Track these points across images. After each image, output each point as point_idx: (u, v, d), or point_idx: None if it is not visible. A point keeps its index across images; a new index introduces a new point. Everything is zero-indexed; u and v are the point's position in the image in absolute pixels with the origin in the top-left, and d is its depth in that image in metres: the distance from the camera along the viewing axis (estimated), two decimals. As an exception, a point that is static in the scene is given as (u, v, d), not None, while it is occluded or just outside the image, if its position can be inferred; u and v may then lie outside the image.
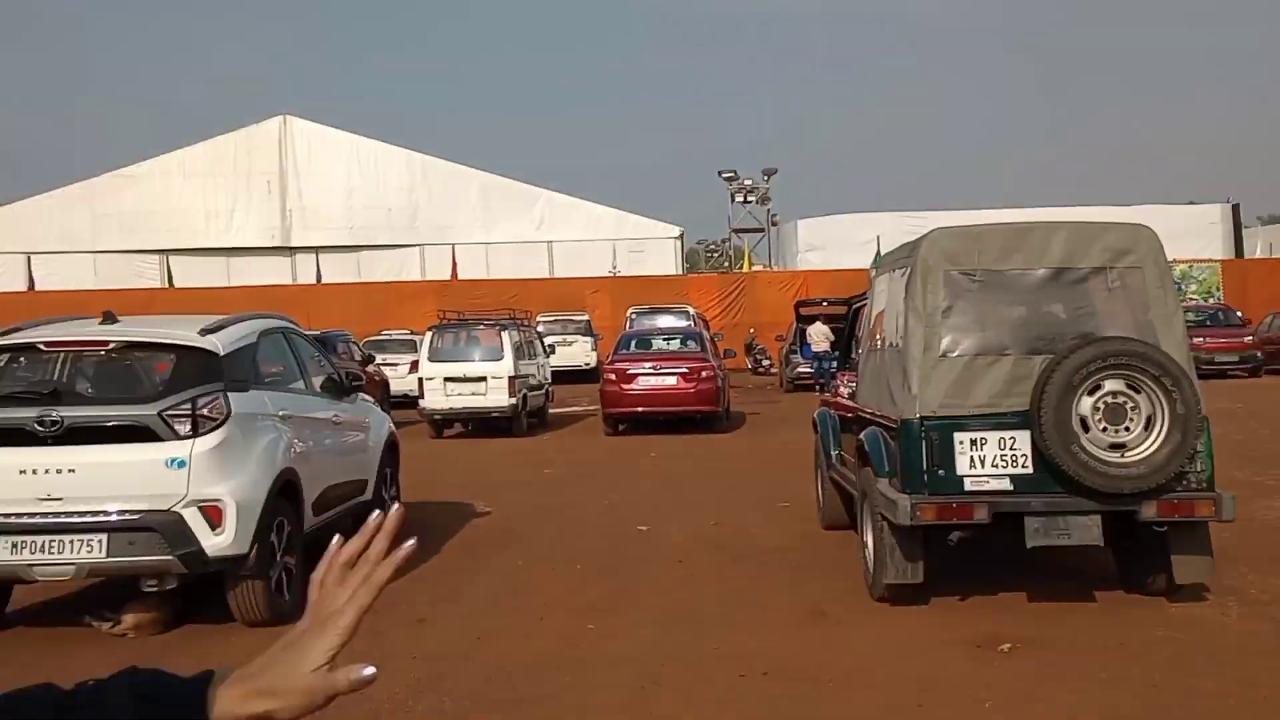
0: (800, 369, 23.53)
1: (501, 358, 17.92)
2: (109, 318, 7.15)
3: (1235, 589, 6.93)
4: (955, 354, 6.62)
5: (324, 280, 35.75)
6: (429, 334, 18.92)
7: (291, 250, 38.83)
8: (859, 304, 9.39)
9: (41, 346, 6.91)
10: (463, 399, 17.96)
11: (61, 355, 6.89)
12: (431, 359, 18.23)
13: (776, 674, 5.78)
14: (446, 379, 18.01)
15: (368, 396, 9.84)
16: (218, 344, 6.91)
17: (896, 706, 5.26)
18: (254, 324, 7.58)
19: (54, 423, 6.39)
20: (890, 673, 5.73)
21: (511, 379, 17.82)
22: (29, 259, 37.11)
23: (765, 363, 29.65)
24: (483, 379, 17.88)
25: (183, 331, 7.08)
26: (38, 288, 35.42)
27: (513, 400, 17.78)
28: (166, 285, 35.30)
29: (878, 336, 7.87)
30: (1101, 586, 7.02)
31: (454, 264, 36.13)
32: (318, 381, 8.42)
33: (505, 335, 18.21)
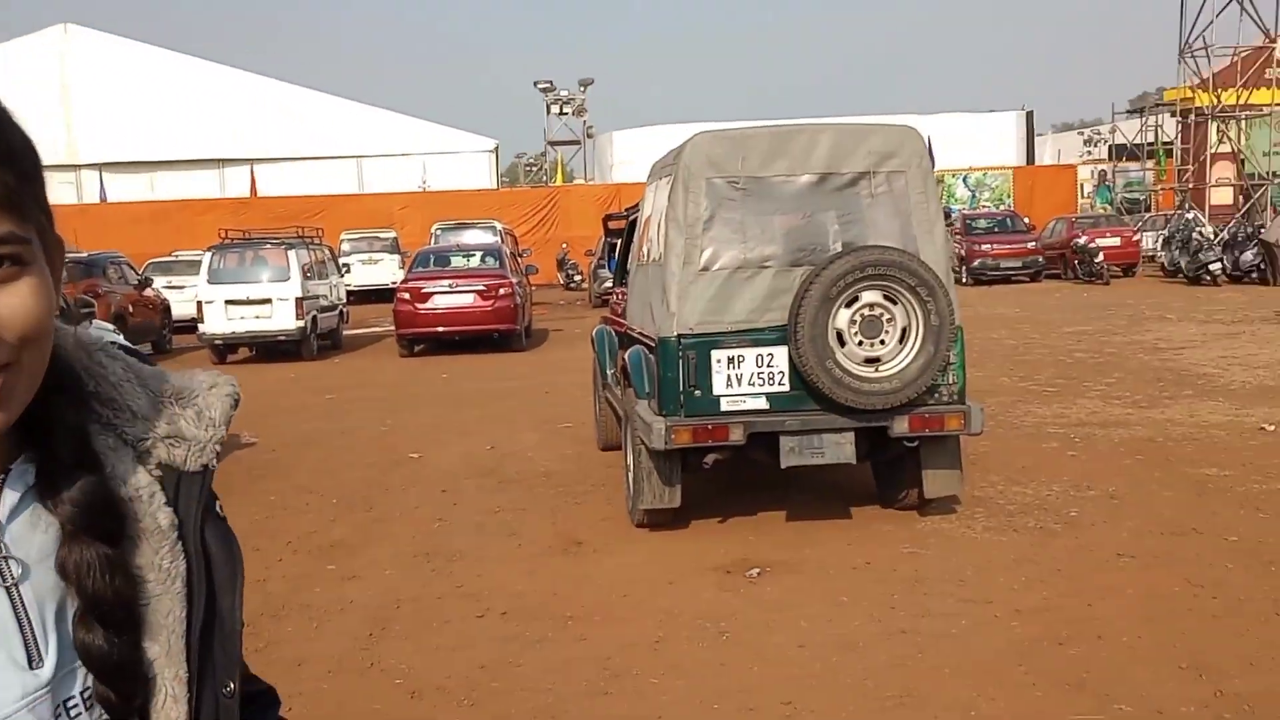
0: (607, 284, 23.17)
1: (288, 278, 16.98)
2: None
3: (985, 500, 6.95)
4: (716, 267, 6.31)
5: (110, 199, 33.43)
6: (208, 254, 17.76)
7: (77, 167, 36.14)
8: (635, 215, 9.02)
9: None
10: (246, 323, 16.98)
11: None
12: (211, 281, 17.14)
13: (516, 613, 5.45)
14: (228, 301, 16.97)
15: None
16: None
17: (634, 642, 5.00)
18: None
19: None
20: (634, 605, 5.47)
21: (299, 300, 16.92)
22: None
23: (577, 278, 29.27)
24: (267, 301, 16.92)
25: None
26: None
27: (300, 323, 16.90)
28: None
29: (644, 249, 7.52)
30: (858, 502, 6.94)
31: (253, 180, 34.26)
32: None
33: (292, 254, 17.26)
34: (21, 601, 0.93)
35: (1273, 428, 8.79)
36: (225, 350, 17.43)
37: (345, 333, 19.59)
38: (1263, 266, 22.93)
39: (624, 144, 40.25)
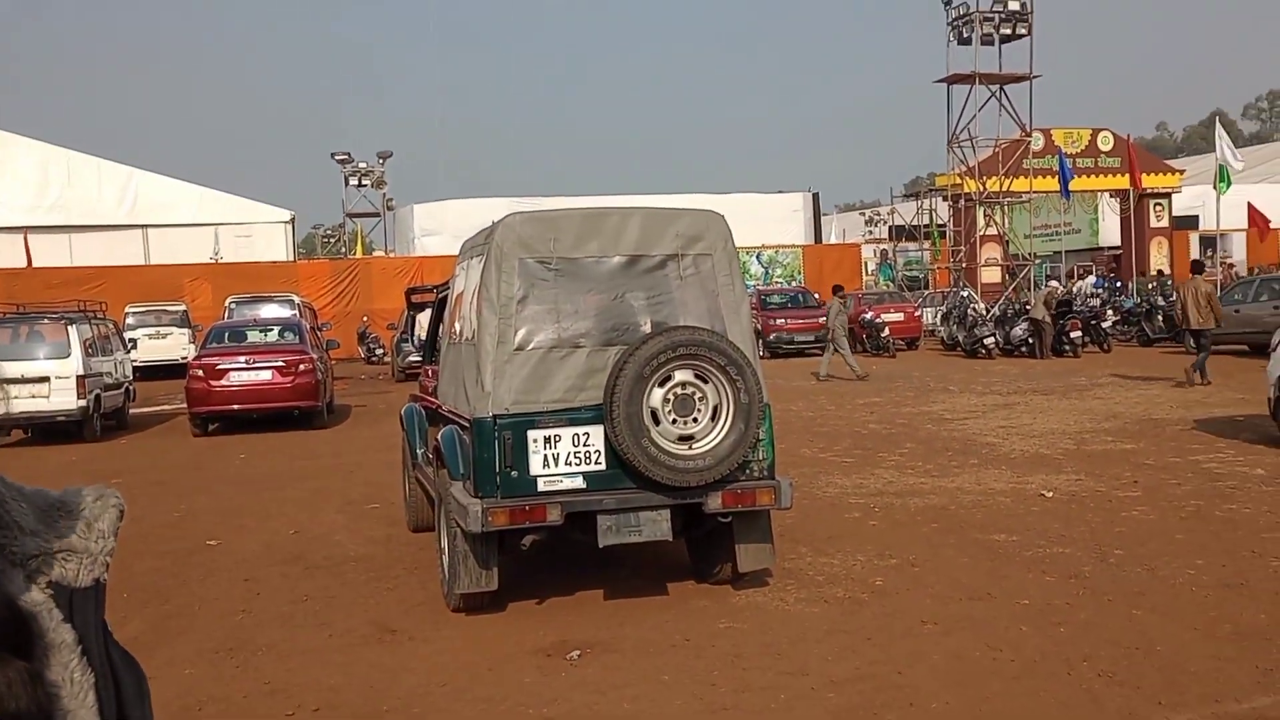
0: (411, 358, 22.86)
1: (68, 354, 16.01)
2: None
3: (795, 571, 7.16)
4: (530, 346, 6.32)
5: None
6: (-23, 330, 16.60)
7: None
8: (445, 292, 8.97)
9: None
10: (21, 402, 15.87)
11: None
12: (-17, 358, 15.98)
13: (329, 709, 5.25)
14: (2, 380, 15.85)
15: None
16: None
17: (454, 732, 4.90)
18: None
19: None
20: (454, 694, 5.36)
21: (80, 378, 15.96)
22: None
23: (379, 351, 28.76)
24: (45, 379, 15.90)
25: None
26: None
27: (82, 402, 15.92)
28: None
29: (456, 327, 7.48)
30: (675, 578, 7.03)
31: (27, 249, 32.25)
32: None
33: (72, 330, 16.27)
34: None
35: (1052, 494, 9.40)
36: (-2, 432, 16.25)
37: (132, 411, 18.57)
38: (1031, 341, 24.59)
39: (425, 216, 39.95)
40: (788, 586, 6.83)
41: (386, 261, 36.61)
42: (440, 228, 37.89)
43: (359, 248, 40.19)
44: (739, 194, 39.12)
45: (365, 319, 30.21)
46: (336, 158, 42.52)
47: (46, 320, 16.77)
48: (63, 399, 15.79)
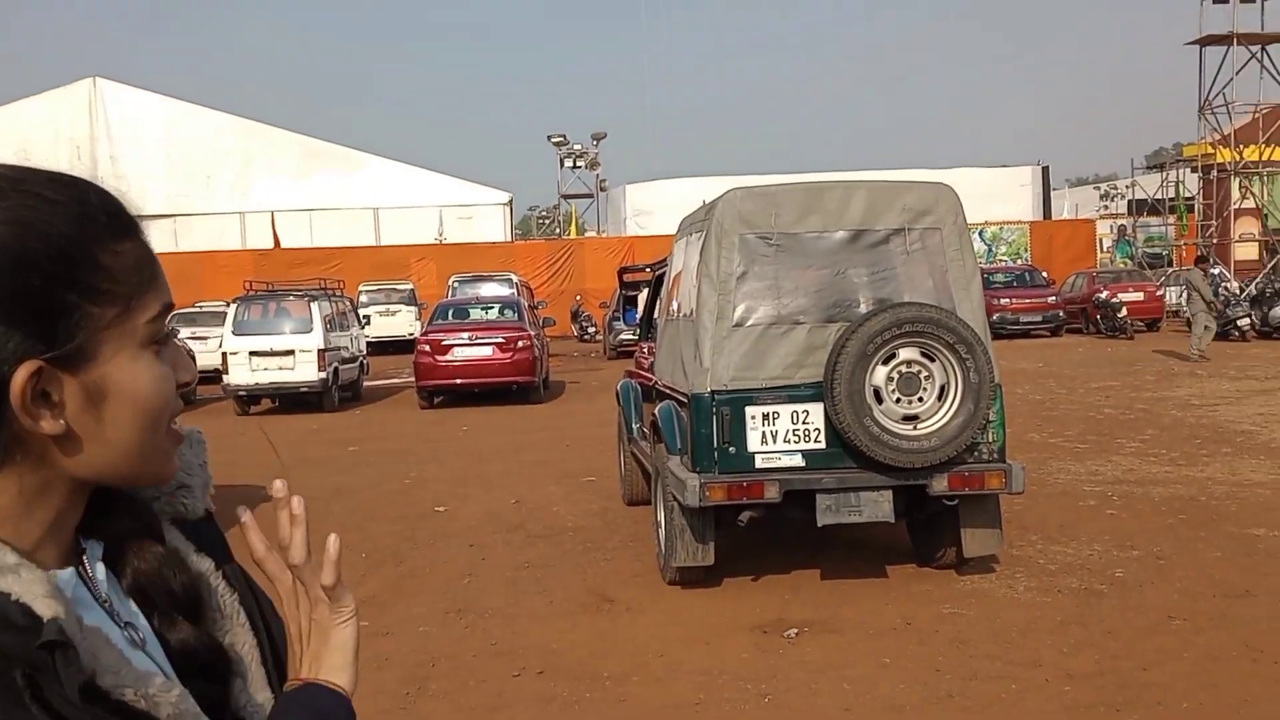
0: (624, 336, 23.19)
1: (310, 330, 17.01)
2: None
3: (1024, 559, 6.85)
4: (749, 323, 6.26)
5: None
6: (233, 306, 17.84)
7: (102, 219, 36.34)
8: (661, 270, 9.01)
9: None
10: (269, 374, 16.99)
11: None
12: (236, 332, 17.16)
13: (553, 671, 5.37)
14: (252, 353, 16.98)
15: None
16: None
17: (673, 703, 4.91)
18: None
19: None
20: (671, 665, 5.38)
21: (321, 352, 16.93)
22: None
23: (591, 330, 29.28)
24: (290, 352, 16.94)
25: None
26: None
27: (322, 374, 16.90)
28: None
29: (674, 304, 7.49)
30: (894, 561, 6.84)
31: (274, 232, 34.47)
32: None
33: (314, 306, 17.28)
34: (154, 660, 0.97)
35: (1316, 486, 8.67)
36: (249, 401, 17.42)
37: (365, 384, 19.60)
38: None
39: (637, 197, 40.45)
40: (1017, 574, 6.55)
41: (599, 241, 37.28)
42: (652, 207, 38.32)
43: (573, 228, 41.07)
44: (962, 168, 37.73)
45: (579, 298, 30.82)
46: (552, 140, 43.60)
47: (292, 298, 17.85)
48: (306, 371, 16.78)
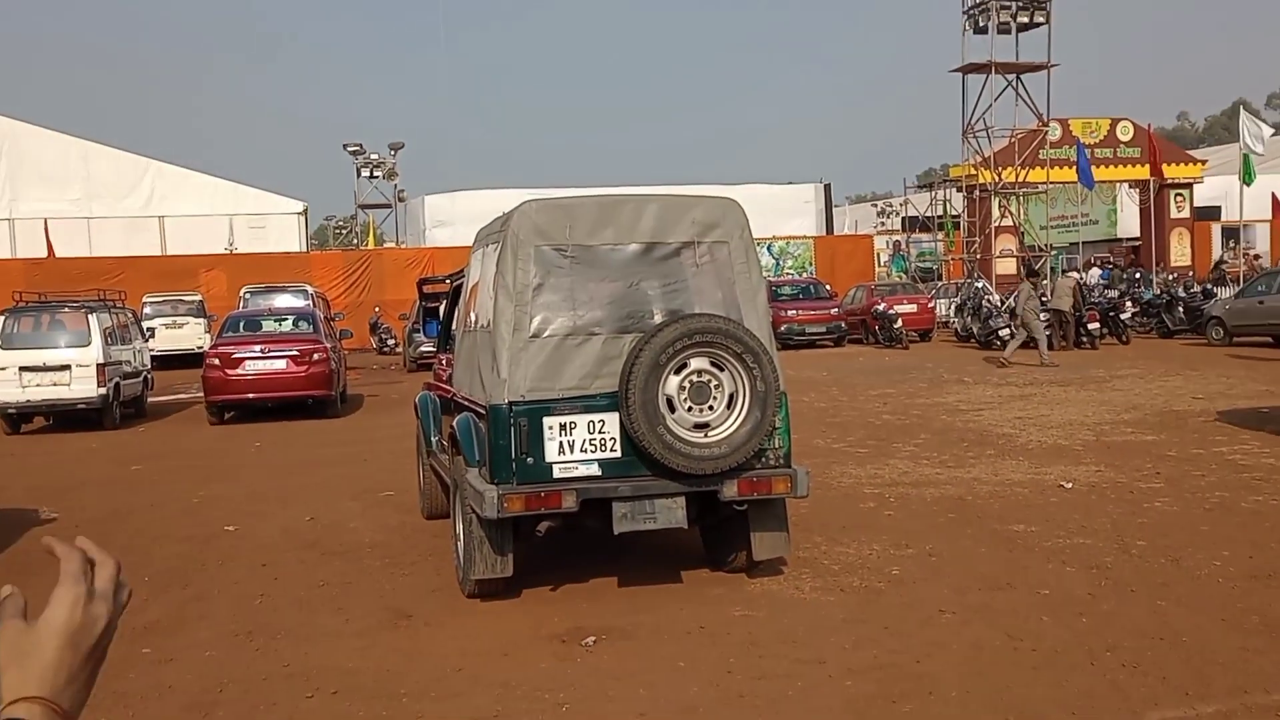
0: (423, 348, 22.89)
1: (89, 343, 16.09)
2: None
3: (809, 560, 7.14)
4: (546, 334, 6.31)
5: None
6: (1, 318, 16.67)
7: None
8: (459, 281, 8.96)
9: None
10: (43, 390, 15.97)
11: None
12: (4, 346, 16.06)
13: (347, 691, 5.26)
14: (22, 368, 15.93)
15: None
16: None
17: (471, 717, 4.90)
18: None
19: None
20: (470, 679, 5.36)
21: (100, 366, 16.03)
22: None
23: (390, 342, 28.79)
24: (66, 367, 15.98)
25: None
26: None
27: (102, 390, 16.00)
28: None
29: (471, 315, 7.47)
30: (689, 566, 7.01)
31: (48, 240, 32.41)
32: None
33: (93, 318, 16.36)
34: None
35: (1071, 485, 9.34)
36: (19, 420, 16.35)
37: (150, 399, 18.67)
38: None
39: (436, 207, 40.00)
40: (803, 575, 6.81)
41: (398, 252, 36.70)
42: (451, 219, 37.97)
43: (371, 239, 40.26)
44: (750, 185, 38.93)
45: (377, 309, 30.25)
46: (348, 149, 42.60)
47: (67, 309, 16.85)
48: (83, 387, 15.87)
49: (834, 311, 28.45)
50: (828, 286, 30.54)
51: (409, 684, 5.32)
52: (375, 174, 42.09)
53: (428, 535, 8.32)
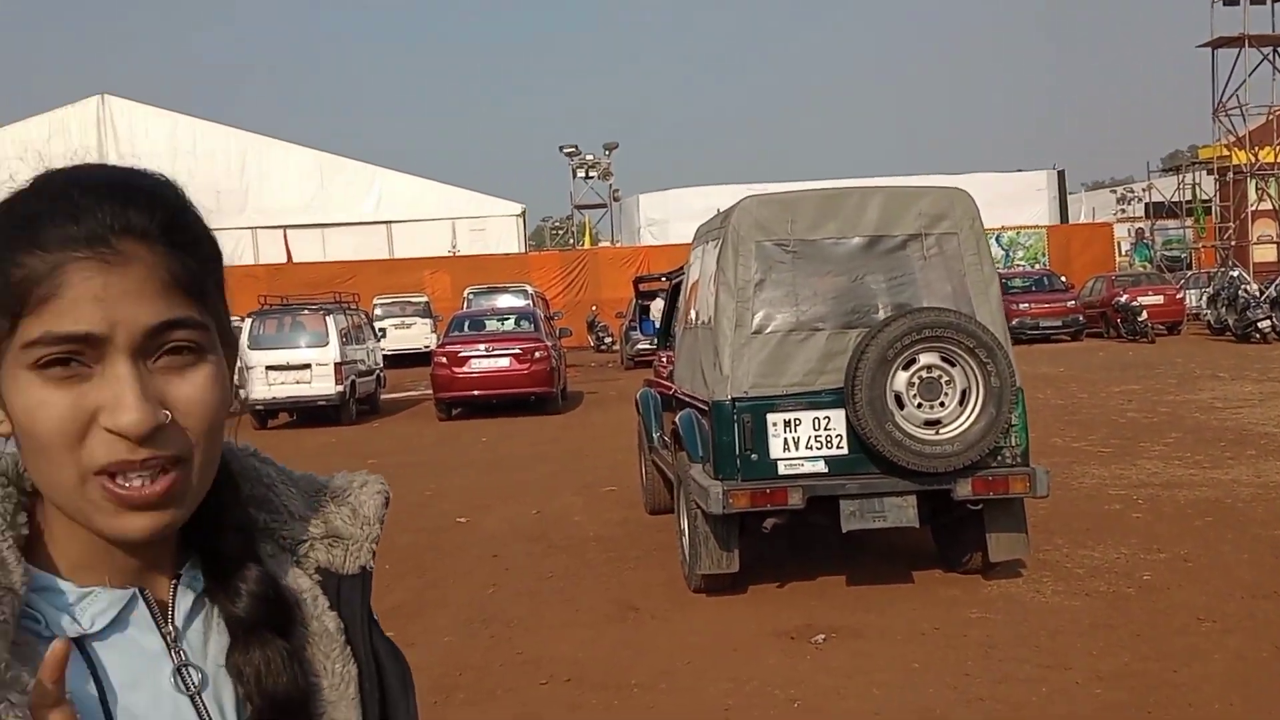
0: (640, 345, 23.21)
1: (327, 343, 17.08)
2: None
3: (1050, 563, 6.83)
4: (768, 330, 6.28)
5: (145, 266, 33.75)
6: (248, 320, 17.89)
7: (111, 234, 36.58)
8: (679, 278, 9.02)
9: None
10: (286, 387, 17.04)
11: None
12: (251, 346, 17.20)
13: (579, 680, 5.37)
14: (268, 367, 17.05)
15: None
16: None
17: (702, 711, 4.91)
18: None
19: None
20: (698, 672, 5.38)
21: (338, 365, 17.00)
22: None
23: (607, 340, 29.30)
24: (307, 366, 17.01)
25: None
26: None
27: (339, 387, 16.96)
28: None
29: (692, 312, 7.50)
30: (921, 566, 6.83)
31: (287, 247, 34.62)
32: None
33: (330, 320, 17.36)
34: (205, 710, 0.90)
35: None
36: (266, 415, 17.49)
37: (383, 397, 19.66)
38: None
39: (650, 206, 40.46)
40: (1044, 578, 6.53)
41: (613, 251, 37.32)
42: (665, 216, 38.31)
43: (587, 239, 41.12)
44: (977, 173, 37.55)
45: (594, 308, 30.85)
46: (564, 150, 43.67)
47: (307, 311, 17.92)
48: (322, 384, 16.85)
49: (1070, 304, 27.22)
50: (1063, 278, 29.20)
51: (639, 675, 5.38)
52: (590, 174, 43.02)
53: (651, 530, 8.41)
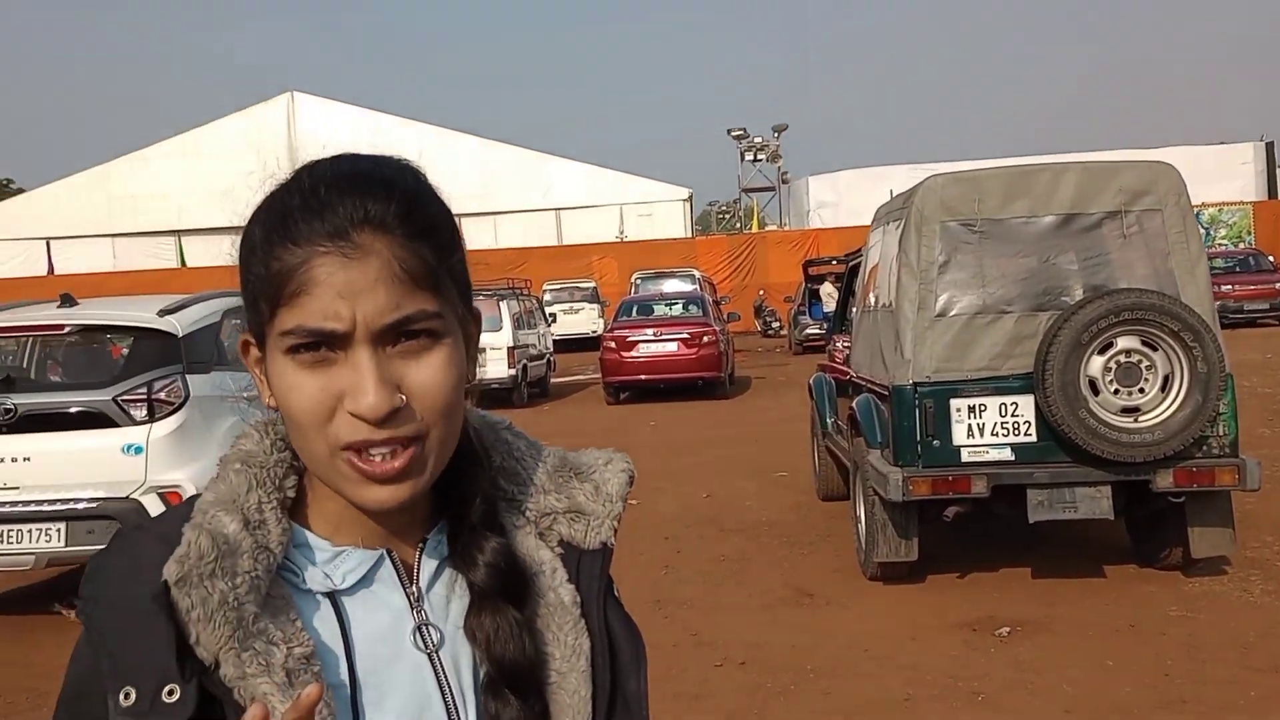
0: (809, 330, 22.93)
1: (500, 328, 17.45)
2: (66, 300, 6.84)
3: (1259, 561, 6.42)
4: (953, 313, 6.08)
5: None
6: (422, 305, 18.46)
7: (300, 227, 38.44)
8: (856, 261, 8.84)
9: None
10: (462, 371, 17.52)
11: (17, 341, 6.77)
12: (429, 330, 17.78)
13: (755, 663, 5.33)
14: (445, 350, 17.56)
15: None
16: (176, 324, 6.57)
17: (881, 700, 4.80)
18: (217, 303, 7.13)
19: (8, 411, 6.15)
20: (877, 660, 5.26)
21: (510, 349, 17.37)
22: (48, 244, 36.60)
23: (775, 324, 29.05)
24: (482, 350, 17.37)
25: (140, 313, 6.75)
26: (57, 272, 34.95)
27: (512, 371, 17.34)
28: (180, 266, 34.85)
29: (871, 295, 7.34)
30: (1112, 561, 6.52)
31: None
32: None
33: (503, 305, 17.74)
34: (442, 668, 0.95)
35: None
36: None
37: (553, 380, 20.00)
38: None
39: (820, 188, 39.87)
40: (1251, 577, 6.14)
41: (781, 235, 36.93)
42: (835, 199, 37.69)
43: (754, 222, 40.86)
44: (1174, 147, 35.57)
45: (761, 293, 30.63)
46: (732, 134, 43.49)
47: (481, 296, 18.32)
48: (496, 368, 17.23)
49: (1278, 286, 25.59)
50: (1270, 258, 27.42)
51: (815, 660, 5.30)
52: (759, 157, 42.73)
53: (824, 516, 8.29)
